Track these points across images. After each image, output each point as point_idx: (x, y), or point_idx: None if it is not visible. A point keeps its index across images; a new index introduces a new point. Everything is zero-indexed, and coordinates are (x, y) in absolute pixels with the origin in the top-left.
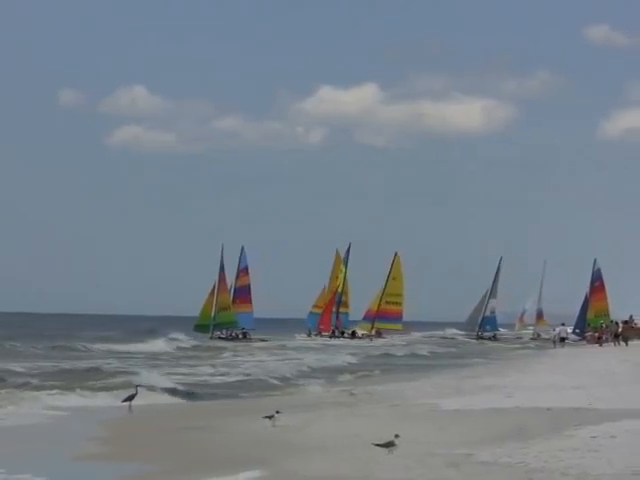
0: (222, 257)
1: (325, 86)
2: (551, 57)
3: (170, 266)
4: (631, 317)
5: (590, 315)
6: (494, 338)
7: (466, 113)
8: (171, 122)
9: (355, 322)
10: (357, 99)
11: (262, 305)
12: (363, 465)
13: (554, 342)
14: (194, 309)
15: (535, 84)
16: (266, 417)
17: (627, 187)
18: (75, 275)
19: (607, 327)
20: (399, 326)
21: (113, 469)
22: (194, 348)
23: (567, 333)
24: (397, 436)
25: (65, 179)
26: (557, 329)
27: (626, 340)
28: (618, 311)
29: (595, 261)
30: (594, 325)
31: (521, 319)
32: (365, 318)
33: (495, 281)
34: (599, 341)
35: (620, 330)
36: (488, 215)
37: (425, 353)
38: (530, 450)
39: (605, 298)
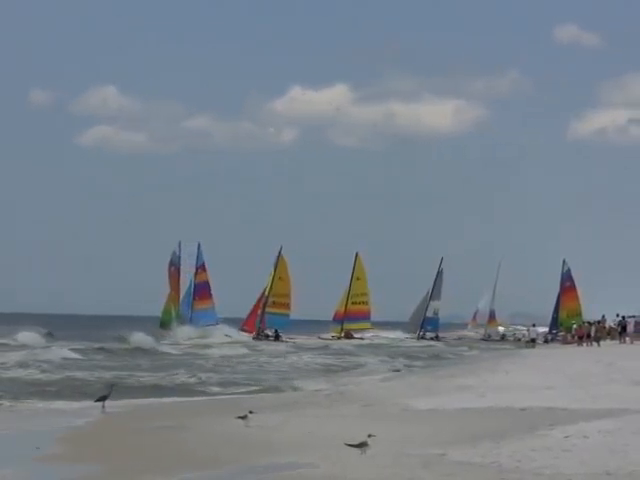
0: (179, 254)
1: (296, 86)
2: (521, 57)
3: (139, 266)
4: (603, 317)
5: (562, 315)
6: (436, 338)
7: (437, 113)
8: (142, 122)
9: (305, 322)
10: (328, 100)
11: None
12: (335, 465)
13: (526, 343)
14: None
15: (505, 84)
16: (239, 417)
17: (598, 187)
18: (49, 275)
19: (580, 327)
20: (368, 325)
21: (64, 470)
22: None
23: (537, 334)
24: (370, 436)
25: (36, 179)
26: (529, 329)
27: (598, 340)
28: (589, 312)
29: (564, 261)
30: (566, 325)
31: (474, 319)
32: (334, 320)
33: (437, 282)
34: (580, 340)
35: (593, 330)
36: (459, 215)
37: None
38: (503, 450)
39: (577, 298)
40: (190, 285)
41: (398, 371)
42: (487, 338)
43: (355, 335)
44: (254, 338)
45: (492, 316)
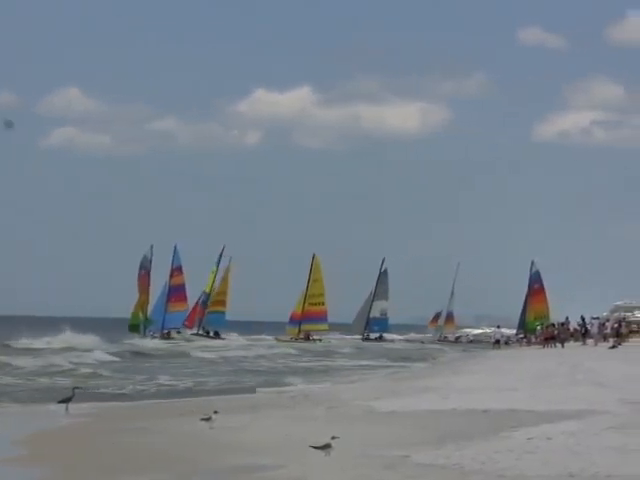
0: (151, 258)
1: (260, 88)
2: (486, 59)
3: (103, 268)
4: (567, 319)
5: (529, 317)
6: (380, 339)
7: (402, 115)
8: (106, 124)
9: (235, 322)
10: (293, 101)
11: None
12: (299, 467)
13: (493, 344)
14: (123, 310)
15: (471, 86)
16: (203, 419)
17: (562, 189)
18: (10, 275)
19: (547, 328)
20: (325, 326)
21: (21, 472)
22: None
23: (502, 335)
24: (334, 438)
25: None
26: (493, 331)
27: (562, 342)
28: (557, 313)
29: (533, 263)
30: (530, 327)
31: (433, 321)
32: (290, 322)
33: (381, 282)
34: (544, 342)
35: (556, 332)
36: (425, 217)
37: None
38: (467, 452)
39: (545, 300)
40: (165, 287)
41: None
42: (443, 339)
43: (313, 336)
44: (192, 334)
45: (450, 317)
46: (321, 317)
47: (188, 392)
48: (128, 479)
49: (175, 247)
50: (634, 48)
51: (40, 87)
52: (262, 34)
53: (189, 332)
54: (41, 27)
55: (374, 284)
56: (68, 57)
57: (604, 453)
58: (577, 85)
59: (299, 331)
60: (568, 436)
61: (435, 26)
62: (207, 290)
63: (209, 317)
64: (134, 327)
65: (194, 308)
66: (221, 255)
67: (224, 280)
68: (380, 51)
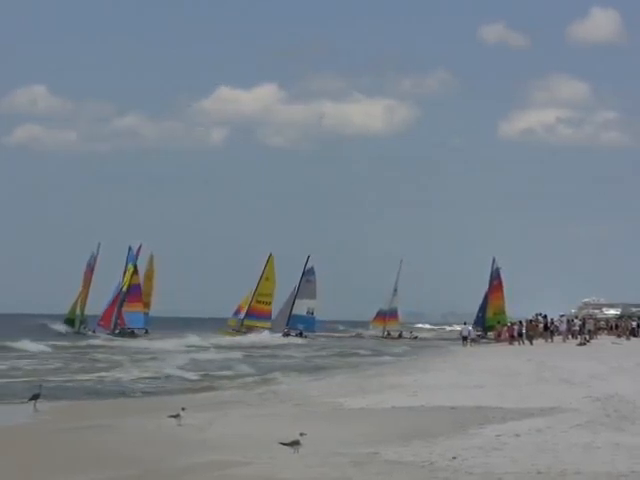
0: (97, 255)
1: (224, 86)
2: (449, 57)
3: (65, 264)
4: (535, 316)
5: (489, 314)
6: (300, 335)
7: (366, 113)
8: (72, 121)
9: (158, 319)
10: (257, 99)
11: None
12: (266, 464)
13: (463, 341)
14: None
15: (434, 84)
16: (171, 416)
17: (526, 186)
18: None
19: (512, 325)
20: (268, 324)
21: None
22: None
23: (469, 332)
24: (302, 435)
25: None
26: (460, 328)
27: (530, 339)
28: (524, 310)
29: (494, 260)
30: (491, 324)
31: (377, 318)
32: (236, 314)
33: (307, 280)
34: (511, 339)
35: (524, 329)
36: (391, 215)
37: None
38: (435, 449)
39: (502, 297)
40: (118, 286)
41: None
42: (386, 336)
43: (254, 332)
44: (109, 334)
45: (393, 314)
46: (265, 316)
47: None
48: (79, 478)
49: (130, 248)
50: (597, 45)
51: (3, 85)
52: (226, 32)
53: (106, 332)
54: (7, 25)
55: (338, 281)
56: (34, 55)
57: (572, 450)
58: (541, 82)
59: (242, 324)
60: (536, 433)
61: (399, 24)
62: (124, 290)
63: (130, 316)
64: (69, 321)
65: (110, 307)
66: (137, 253)
67: (147, 279)
68: (345, 49)
